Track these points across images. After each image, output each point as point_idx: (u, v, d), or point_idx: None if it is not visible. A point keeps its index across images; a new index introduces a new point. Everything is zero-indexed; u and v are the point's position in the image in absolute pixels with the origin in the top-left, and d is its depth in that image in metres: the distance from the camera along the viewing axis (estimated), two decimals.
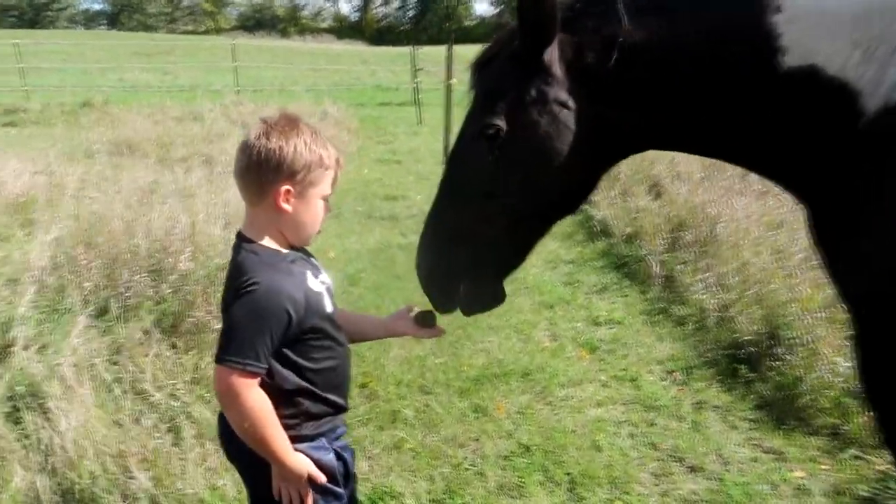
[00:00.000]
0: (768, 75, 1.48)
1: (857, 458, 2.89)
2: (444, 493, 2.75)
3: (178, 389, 3.18)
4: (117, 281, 4.04)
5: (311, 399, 1.70)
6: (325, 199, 1.71)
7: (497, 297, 1.87)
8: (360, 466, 2.92)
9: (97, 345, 3.48)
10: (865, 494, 2.65)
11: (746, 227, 4.79)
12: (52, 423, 2.87)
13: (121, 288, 3.96)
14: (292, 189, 1.62)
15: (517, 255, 1.85)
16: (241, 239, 1.67)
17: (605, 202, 6.34)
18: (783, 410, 3.22)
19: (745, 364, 3.59)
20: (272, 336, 1.57)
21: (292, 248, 1.71)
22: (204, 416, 3.03)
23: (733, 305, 4.04)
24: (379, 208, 7.52)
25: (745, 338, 3.71)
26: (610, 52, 1.57)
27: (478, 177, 1.70)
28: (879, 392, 1.50)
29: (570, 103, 1.63)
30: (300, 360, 1.67)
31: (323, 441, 1.74)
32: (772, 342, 3.56)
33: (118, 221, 4.70)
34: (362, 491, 2.77)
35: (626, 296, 4.86)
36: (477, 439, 3.14)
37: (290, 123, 1.65)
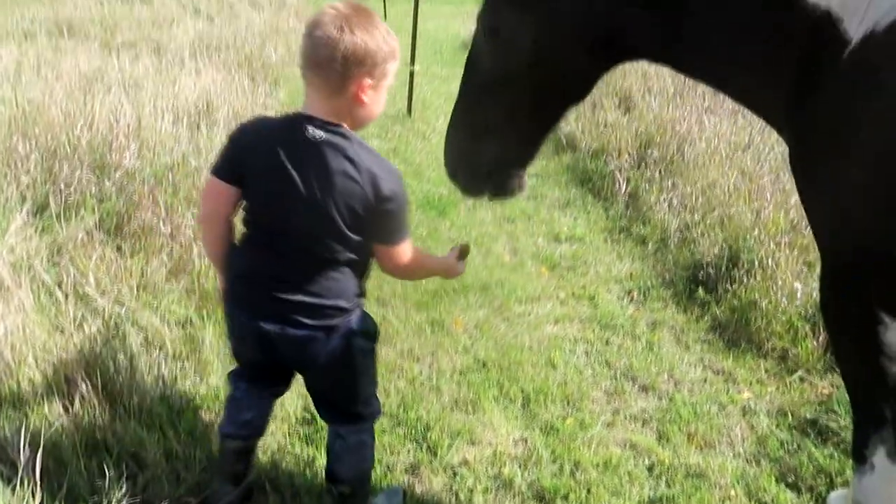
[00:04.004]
0: None
1: (802, 380, 2.96)
2: (398, 407, 2.74)
3: (124, 295, 3.04)
4: (57, 176, 3.78)
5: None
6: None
7: (521, 187, 2.02)
8: None
9: (36, 244, 3.29)
10: (809, 416, 2.72)
11: (715, 146, 4.71)
12: None
13: (61, 184, 3.72)
14: (371, 82, 1.68)
15: (535, 142, 1.95)
16: (335, 128, 1.71)
17: (572, 115, 6.16)
18: (736, 333, 3.27)
19: (703, 286, 3.61)
20: None
21: None
22: (151, 322, 2.92)
23: (696, 226, 4.02)
24: None
25: (706, 259, 3.71)
26: None
27: (489, 70, 1.80)
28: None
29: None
30: None
31: None
32: (731, 265, 3.57)
33: (58, 111, 4.37)
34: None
35: (589, 212, 4.81)
36: (433, 353, 3.12)
37: (367, 16, 1.67)
